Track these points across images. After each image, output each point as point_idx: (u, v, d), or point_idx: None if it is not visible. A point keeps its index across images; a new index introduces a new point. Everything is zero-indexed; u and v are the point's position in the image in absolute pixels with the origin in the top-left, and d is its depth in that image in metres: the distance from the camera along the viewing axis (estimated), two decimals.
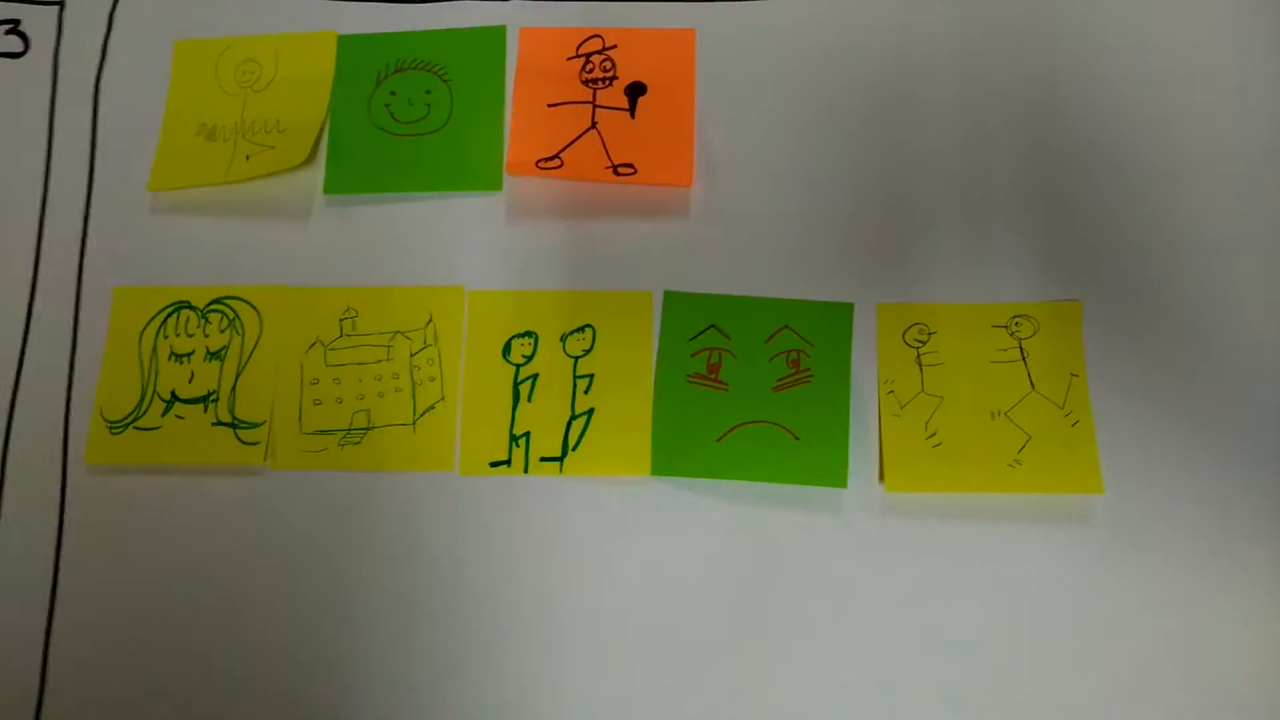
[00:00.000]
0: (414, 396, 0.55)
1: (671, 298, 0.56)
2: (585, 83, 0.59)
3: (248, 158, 0.59)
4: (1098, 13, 0.59)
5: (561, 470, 0.54)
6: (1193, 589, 0.51)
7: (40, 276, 0.59)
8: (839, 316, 0.55)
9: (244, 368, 0.56)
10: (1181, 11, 0.59)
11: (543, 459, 0.54)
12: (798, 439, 0.53)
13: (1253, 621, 0.50)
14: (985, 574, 0.52)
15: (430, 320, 0.57)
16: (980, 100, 0.58)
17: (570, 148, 0.58)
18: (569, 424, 0.55)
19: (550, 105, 0.59)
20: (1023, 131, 0.58)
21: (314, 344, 0.57)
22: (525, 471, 0.54)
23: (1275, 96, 0.57)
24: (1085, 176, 0.57)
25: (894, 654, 0.51)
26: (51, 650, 0.54)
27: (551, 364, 0.55)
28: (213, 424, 0.56)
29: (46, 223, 0.60)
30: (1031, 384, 0.54)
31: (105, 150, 0.61)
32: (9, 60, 0.63)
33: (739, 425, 0.54)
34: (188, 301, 0.58)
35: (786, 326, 0.55)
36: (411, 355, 0.56)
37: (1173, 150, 0.57)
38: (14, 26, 0.63)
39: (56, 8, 0.64)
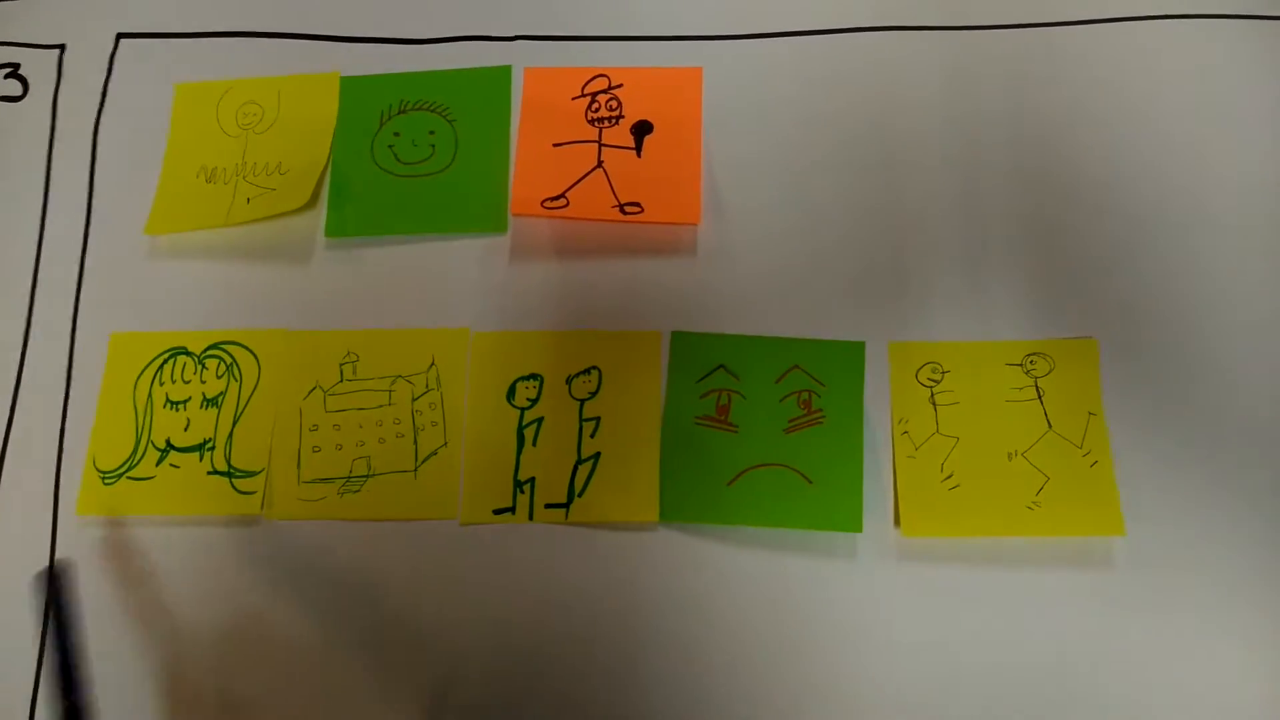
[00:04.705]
0: (416, 442, 0.54)
1: (679, 338, 0.55)
2: (591, 122, 0.59)
3: (248, 200, 0.58)
4: (1096, 50, 0.59)
5: (567, 517, 0.52)
6: (1215, 633, 0.49)
7: (35, 321, 0.58)
8: (850, 356, 0.54)
9: (241, 415, 0.55)
10: (1179, 46, 0.59)
11: (547, 505, 0.53)
12: (811, 482, 0.52)
13: (1274, 666, 0.49)
14: (1003, 619, 0.50)
15: (433, 364, 0.55)
16: (987, 136, 0.58)
17: (576, 187, 0.57)
18: (575, 469, 0.53)
19: (556, 145, 0.58)
20: (1029, 169, 0.57)
21: (313, 389, 0.55)
22: (530, 519, 0.53)
23: (1277, 129, 0.57)
24: (1095, 211, 0.56)
25: (911, 701, 0.49)
26: (38, 707, 0.52)
27: (557, 407, 0.54)
28: (208, 473, 0.54)
29: (42, 266, 0.59)
30: (1049, 423, 0.53)
31: (103, 193, 0.60)
32: (8, 104, 0.62)
33: (750, 468, 0.52)
34: (184, 348, 0.57)
35: (797, 366, 0.54)
36: (414, 400, 0.55)
37: (1183, 185, 0.56)
38: (14, 70, 0.63)
39: (57, 51, 0.63)
